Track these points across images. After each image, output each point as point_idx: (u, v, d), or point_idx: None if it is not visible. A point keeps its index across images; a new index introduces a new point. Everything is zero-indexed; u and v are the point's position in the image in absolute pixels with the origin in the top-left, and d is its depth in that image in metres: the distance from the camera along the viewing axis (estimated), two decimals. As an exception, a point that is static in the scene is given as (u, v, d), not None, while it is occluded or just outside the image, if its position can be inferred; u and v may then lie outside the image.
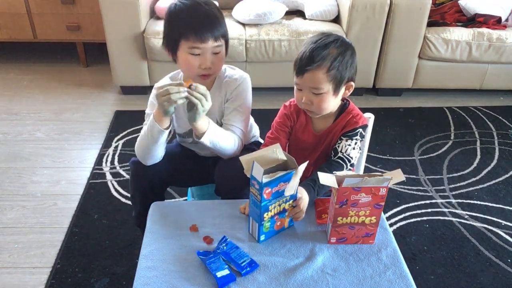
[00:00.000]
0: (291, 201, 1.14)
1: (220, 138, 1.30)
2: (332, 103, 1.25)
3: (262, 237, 1.14)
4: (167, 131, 1.27)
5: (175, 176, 1.47)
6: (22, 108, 2.69)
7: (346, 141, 1.27)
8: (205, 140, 1.27)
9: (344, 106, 1.32)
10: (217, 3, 2.74)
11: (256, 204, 1.09)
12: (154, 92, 1.37)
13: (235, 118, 1.36)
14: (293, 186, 1.08)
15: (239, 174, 1.24)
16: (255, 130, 1.59)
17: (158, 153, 1.34)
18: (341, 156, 1.26)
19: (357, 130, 1.28)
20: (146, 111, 1.39)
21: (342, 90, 1.25)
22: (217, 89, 1.38)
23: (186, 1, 1.27)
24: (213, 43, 1.25)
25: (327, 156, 1.32)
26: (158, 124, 1.25)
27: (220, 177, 1.38)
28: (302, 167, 1.08)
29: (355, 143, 1.28)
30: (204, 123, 1.25)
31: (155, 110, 1.26)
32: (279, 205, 1.12)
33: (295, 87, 1.26)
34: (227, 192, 1.35)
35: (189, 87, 1.17)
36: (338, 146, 1.28)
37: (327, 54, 1.18)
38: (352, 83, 1.26)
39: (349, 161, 1.26)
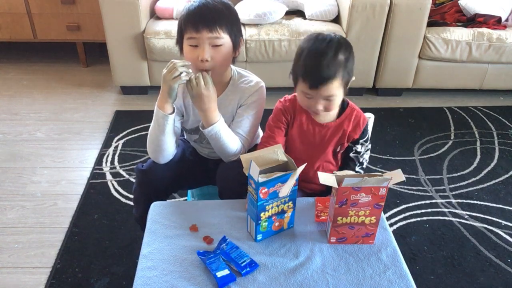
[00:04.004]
0: (290, 203, 1.14)
1: (224, 136, 1.30)
2: (340, 101, 1.29)
3: (259, 237, 1.14)
4: (171, 116, 1.28)
5: (179, 182, 1.47)
6: (22, 108, 2.70)
7: (367, 147, 1.38)
8: (210, 131, 1.28)
9: (343, 100, 1.34)
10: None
11: (253, 203, 1.09)
12: None
13: (244, 125, 1.36)
14: (288, 188, 1.08)
15: (241, 178, 1.24)
16: (258, 133, 1.58)
17: (168, 146, 1.34)
18: (362, 161, 1.39)
19: (368, 132, 1.37)
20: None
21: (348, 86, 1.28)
22: (231, 93, 1.38)
23: None
24: (209, 34, 1.24)
25: (335, 153, 1.38)
26: (161, 110, 1.27)
27: (222, 181, 1.39)
28: (300, 169, 1.08)
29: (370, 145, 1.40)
30: (215, 115, 1.28)
31: (158, 99, 1.28)
32: (277, 206, 1.12)
33: (301, 94, 1.25)
34: (229, 196, 1.35)
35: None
36: (358, 152, 1.37)
37: (338, 64, 1.18)
38: (354, 77, 1.28)
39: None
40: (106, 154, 2.29)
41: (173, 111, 1.29)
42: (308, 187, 1.41)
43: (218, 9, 1.26)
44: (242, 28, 2.63)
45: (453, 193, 2.11)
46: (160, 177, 1.38)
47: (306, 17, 2.76)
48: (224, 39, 1.27)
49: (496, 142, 2.50)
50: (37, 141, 2.40)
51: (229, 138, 1.31)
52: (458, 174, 2.24)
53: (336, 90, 1.21)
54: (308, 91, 1.22)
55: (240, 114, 1.37)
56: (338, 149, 1.37)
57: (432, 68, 2.79)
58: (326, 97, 1.22)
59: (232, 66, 1.41)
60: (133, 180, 2.08)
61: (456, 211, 2.00)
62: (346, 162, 1.39)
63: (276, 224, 1.15)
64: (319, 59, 1.18)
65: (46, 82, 2.99)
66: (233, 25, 1.30)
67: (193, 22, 1.24)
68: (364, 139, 1.37)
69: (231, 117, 1.39)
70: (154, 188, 1.40)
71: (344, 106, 1.34)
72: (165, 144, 1.33)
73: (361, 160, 1.38)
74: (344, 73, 1.20)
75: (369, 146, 1.40)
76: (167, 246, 1.13)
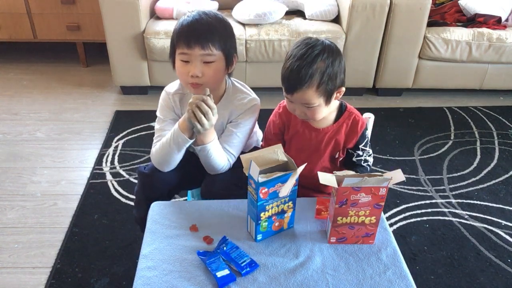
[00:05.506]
0: (290, 203, 1.14)
1: (214, 154, 1.31)
2: (326, 111, 1.26)
3: (259, 237, 1.14)
4: (192, 140, 1.29)
5: (181, 185, 1.48)
6: (22, 108, 2.69)
7: (368, 152, 1.36)
8: (202, 150, 1.29)
9: (341, 104, 1.33)
10: (216, 4, 2.77)
11: (253, 203, 1.09)
12: (163, 95, 1.40)
13: (232, 142, 1.36)
14: (288, 188, 1.07)
15: (224, 192, 1.27)
16: (258, 136, 1.58)
17: (178, 160, 1.36)
18: (366, 165, 1.38)
19: (367, 137, 1.34)
20: (157, 115, 1.40)
21: (334, 96, 1.24)
22: (223, 108, 1.37)
23: (192, 13, 1.28)
24: (201, 51, 1.22)
25: (332, 159, 1.35)
26: (184, 133, 1.27)
27: (206, 194, 1.40)
28: (300, 169, 1.08)
29: (370, 150, 1.38)
30: (210, 136, 1.27)
31: (181, 120, 1.28)
32: (277, 206, 1.12)
33: (285, 98, 1.25)
34: None
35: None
36: (360, 156, 1.35)
37: (315, 70, 1.15)
38: (343, 88, 1.24)
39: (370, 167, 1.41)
40: (106, 154, 2.29)
41: (193, 135, 1.29)
42: (307, 194, 1.38)
43: (212, 25, 1.25)
44: (242, 28, 2.66)
45: (453, 193, 2.11)
46: (163, 180, 1.38)
47: (306, 17, 2.76)
48: (216, 56, 1.25)
49: (496, 142, 2.50)
50: (37, 141, 2.40)
51: (218, 156, 1.32)
52: (458, 174, 2.24)
53: (313, 98, 1.18)
54: (286, 95, 1.22)
55: (229, 130, 1.37)
56: (336, 156, 1.36)
57: (432, 68, 2.79)
58: (304, 104, 1.20)
59: (230, 80, 1.40)
60: (133, 180, 2.09)
61: (456, 211, 2.00)
62: (351, 168, 1.35)
63: (276, 224, 1.15)
64: (295, 64, 1.15)
65: (46, 82, 2.99)
66: (227, 41, 1.28)
67: (185, 38, 1.23)
68: (363, 144, 1.34)
69: (220, 131, 1.39)
70: (156, 191, 1.40)
71: (342, 110, 1.32)
72: (175, 161, 1.35)
73: (364, 164, 1.37)
74: (324, 80, 1.16)
75: (370, 151, 1.38)
76: (167, 246, 1.13)
